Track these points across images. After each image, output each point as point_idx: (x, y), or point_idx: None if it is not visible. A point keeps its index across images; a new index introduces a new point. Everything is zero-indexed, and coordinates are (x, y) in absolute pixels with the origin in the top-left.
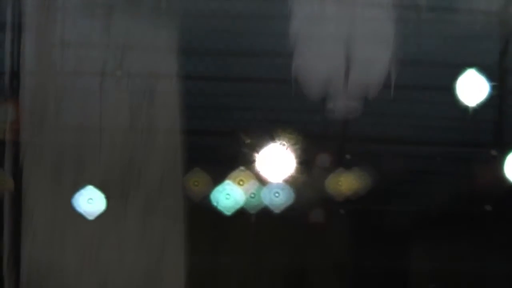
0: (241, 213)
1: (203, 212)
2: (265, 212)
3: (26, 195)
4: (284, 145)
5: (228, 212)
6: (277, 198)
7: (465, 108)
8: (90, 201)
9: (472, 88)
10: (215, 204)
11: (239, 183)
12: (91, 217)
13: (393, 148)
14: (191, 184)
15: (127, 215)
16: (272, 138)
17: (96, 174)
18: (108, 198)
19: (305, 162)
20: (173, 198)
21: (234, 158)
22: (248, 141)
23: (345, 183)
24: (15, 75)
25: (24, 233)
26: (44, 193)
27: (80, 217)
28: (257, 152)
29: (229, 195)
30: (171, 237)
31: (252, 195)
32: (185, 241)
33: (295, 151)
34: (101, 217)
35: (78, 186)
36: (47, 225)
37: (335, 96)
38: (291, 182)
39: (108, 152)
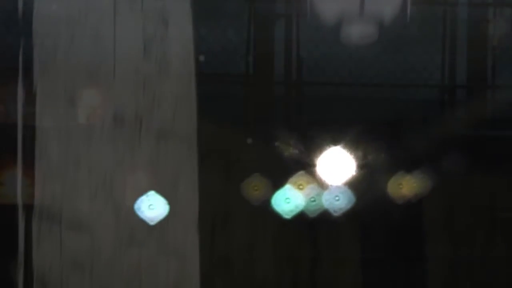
0: None
1: None
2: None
3: (40, 120)
4: (344, 149)
5: (288, 215)
6: (338, 202)
7: None
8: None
9: None
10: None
11: (299, 187)
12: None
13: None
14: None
15: (141, 140)
16: (332, 142)
17: (110, 99)
18: (122, 122)
19: (366, 166)
20: (187, 124)
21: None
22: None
23: (406, 185)
24: None
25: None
26: (58, 117)
27: (95, 140)
28: (318, 156)
29: (289, 199)
30: (184, 162)
31: (312, 199)
32: (198, 166)
33: (355, 154)
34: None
35: (91, 111)
36: (60, 147)
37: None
38: (352, 185)
39: (121, 78)
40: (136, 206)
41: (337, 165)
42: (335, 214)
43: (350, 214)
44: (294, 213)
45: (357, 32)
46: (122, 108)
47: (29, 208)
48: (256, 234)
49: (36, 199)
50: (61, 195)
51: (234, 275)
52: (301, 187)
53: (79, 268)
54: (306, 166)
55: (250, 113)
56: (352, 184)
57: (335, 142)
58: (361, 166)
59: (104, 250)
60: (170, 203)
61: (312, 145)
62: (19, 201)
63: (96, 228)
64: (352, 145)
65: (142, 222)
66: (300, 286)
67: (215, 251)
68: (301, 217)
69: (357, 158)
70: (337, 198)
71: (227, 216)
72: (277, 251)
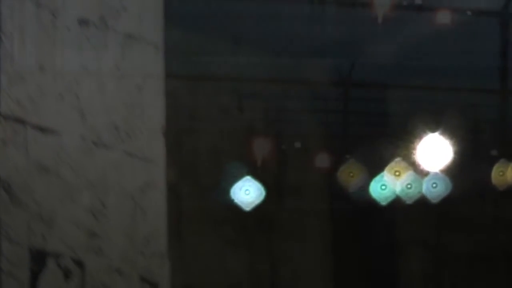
0: None
1: None
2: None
3: (5, 23)
4: (441, 136)
5: (383, 202)
6: (435, 189)
7: None
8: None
9: None
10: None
11: (395, 174)
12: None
13: None
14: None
15: (107, 43)
16: (429, 129)
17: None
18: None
19: (463, 153)
20: (154, 28)
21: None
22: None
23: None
24: None
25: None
26: (23, 20)
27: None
28: (415, 143)
29: (385, 185)
30: (151, 67)
31: (409, 186)
32: (164, 69)
33: (452, 142)
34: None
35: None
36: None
37: None
38: (449, 172)
39: None
40: None
41: None
42: None
43: None
44: None
45: None
46: (88, 10)
47: None
48: None
49: (1, 103)
50: (27, 99)
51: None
52: None
53: (45, 171)
54: None
55: None
56: None
57: None
58: None
59: (70, 153)
60: (136, 105)
61: None
62: None
63: (62, 131)
64: None
65: (108, 126)
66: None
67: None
68: None
69: None
70: None
71: None
72: None
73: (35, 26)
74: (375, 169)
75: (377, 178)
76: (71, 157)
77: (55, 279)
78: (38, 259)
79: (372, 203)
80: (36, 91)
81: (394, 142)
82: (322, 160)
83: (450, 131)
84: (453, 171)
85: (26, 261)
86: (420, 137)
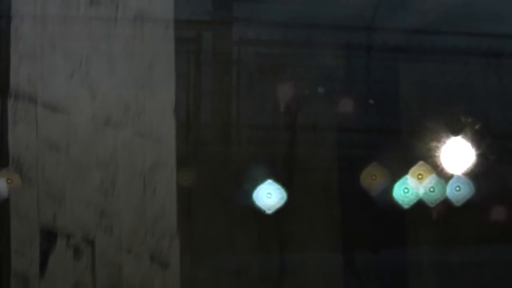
0: None
1: None
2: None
3: (15, 3)
4: (464, 139)
5: (406, 205)
6: (458, 192)
7: None
8: None
9: None
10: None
11: (418, 177)
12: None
13: None
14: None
15: (118, 22)
16: (452, 132)
17: None
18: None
19: (486, 156)
20: (164, 7)
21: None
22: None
23: None
24: None
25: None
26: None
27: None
28: (438, 147)
29: (408, 189)
30: (162, 45)
31: (432, 189)
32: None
33: (475, 145)
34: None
35: None
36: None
37: None
38: (472, 176)
39: None
40: None
41: None
42: None
43: None
44: None
45: None
46: None
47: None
48: None
49: (11, 82)
50: (37, 77)
51: None
52: None
53: (55, 149)
54: None
55: None
56: None
57: None
58: None
59: (80, 132)
60: (146, 86)
61: None
62: None
63: (72, 109)
64: None
65: (118, 105)
66: None
67: None
68: None
69: None
70: None
71: None
72: None
73: (45, 5)
74: None
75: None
76: (81, 136)
77: (65, 258)
78: (48, 238)
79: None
80: (46, 70)
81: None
82: None
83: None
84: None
85: (36, 240)
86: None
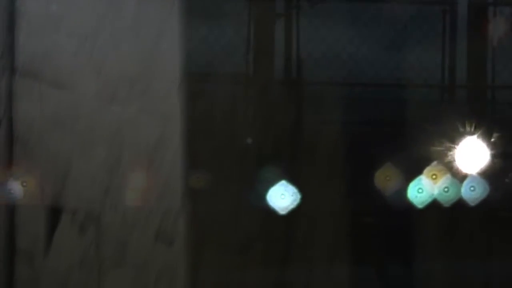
0: None
1: None
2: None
3: None
4: (479, 139)
5: (420, 205)
6: (473, 192)
7: None
8: None
9: None
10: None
11: (432, 178)
12: None
13: None
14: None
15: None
16: (466, 133)
17: None
18: None
19: (501, 156)
20: None
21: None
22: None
23: None
24: None
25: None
26: None
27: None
28: (452, 147)
29: (422, 189)
30: (166, 21)
31: (446, 189)
32: (181, 28)
33: (489, 145)
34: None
35: None
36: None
37: None
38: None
39: None
40: None
41: None
42: None
43: None
44: None
45: None
46: None
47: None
48: None
49: (16, 59)
50: (42, 54)
51: None
52: None
53: (60, 126)
54: None
55: None
56: None
57: None
58: None
59: (85, 107)
60: (152, 61)
61: None
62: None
63: (78, 86)
64: None
65: (123, 82)
66: None
67: None
68: None
69: None
70: None
71: None
72: None
73: None
74: None
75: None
76: (86, 113)
77: (70, 234)
78: (53, 214)
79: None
80: (51, 47)
81: None
82: None
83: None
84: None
85: (41, 216)
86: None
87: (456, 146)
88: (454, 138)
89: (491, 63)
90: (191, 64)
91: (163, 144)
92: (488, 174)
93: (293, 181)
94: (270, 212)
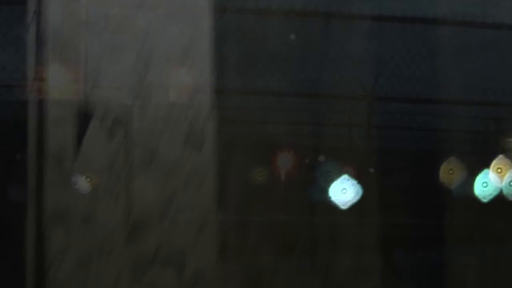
0: None
1: None
2: None
3: None
4: None
5: (485, 199)
6: None
7: None
8: None
9: None
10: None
11: (497, 171)
12: None
13: None
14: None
15: None
16: None
17: None
18: None
19: None
20: None
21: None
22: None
23: None
24: None
25: None
26: None
27: None
28: None
29: (487, 183)
30: None
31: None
32: None
33: None
34: None
35: None
36: None
37: None
38: None
39: None
40: None
41: None
42: None
43: None
44: None
45: None
46: None
47: None
48: None
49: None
50: None
51: None
52: None
53: (90, 31)
54: None
55: None
56: None
57: None
58: None
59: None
60: None
61: None
62: None
63: None
64: None
65: None
66: None
67: None
68: None
69: None
70: None
71: None
72: None
73: None
74: None
75: None
76: (115, 16)
77: (98, 139)
78: (83, 118)
79: None
80: None
81: None
82: None
83: None
84: None
85: (71, 120)
86: None
87: None
88: None
89: None
90: None
91: (192, 49)
92: None
93: None
94: None
